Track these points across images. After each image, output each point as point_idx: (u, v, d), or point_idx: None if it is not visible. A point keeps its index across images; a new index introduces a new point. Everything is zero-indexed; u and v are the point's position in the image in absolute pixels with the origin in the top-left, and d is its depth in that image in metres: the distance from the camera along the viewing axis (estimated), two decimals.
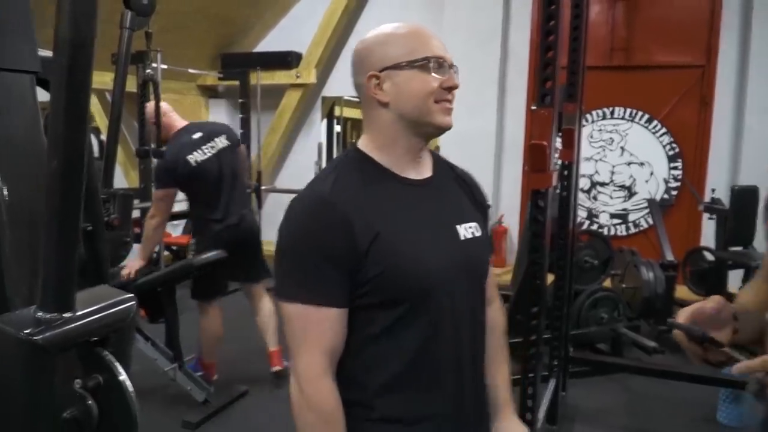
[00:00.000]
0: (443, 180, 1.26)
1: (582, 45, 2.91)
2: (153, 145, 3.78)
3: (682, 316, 1.10)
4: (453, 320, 1.16)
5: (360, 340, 1.12)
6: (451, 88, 1.14)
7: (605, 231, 5.84)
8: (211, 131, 3.49)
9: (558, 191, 2.93)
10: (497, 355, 1.34)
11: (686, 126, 5.57)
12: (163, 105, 3.52)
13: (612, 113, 5.85)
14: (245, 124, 6.59)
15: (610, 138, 5.88)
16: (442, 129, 1.16)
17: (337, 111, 8.24)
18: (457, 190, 1.28)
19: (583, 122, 5.79)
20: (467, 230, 1.21)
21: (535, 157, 1.97)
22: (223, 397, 3.44)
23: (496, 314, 1.36)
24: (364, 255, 1.07)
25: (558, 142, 2.36)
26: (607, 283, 4.76)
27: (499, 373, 1.34)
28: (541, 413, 2.69)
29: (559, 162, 2.82)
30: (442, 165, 1.28)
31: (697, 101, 5.54)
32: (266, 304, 3.63)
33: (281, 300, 1.11)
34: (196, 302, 3.52)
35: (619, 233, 5.89)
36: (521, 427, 1.35)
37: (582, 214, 5.96)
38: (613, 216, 5.94)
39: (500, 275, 5.19)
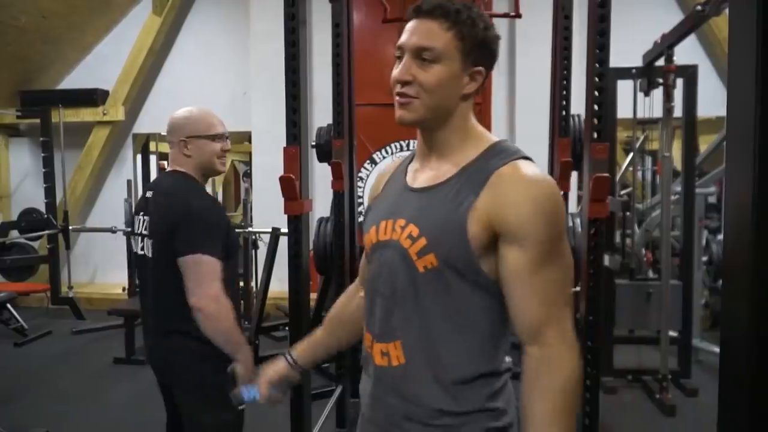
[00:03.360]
0: None
1: (346, 86, 3.32)
2: None
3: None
4: None
5: None
6: (226, 151, 1.93)
7: None
8: None
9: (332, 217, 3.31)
10: None
11: None
12: None
13: (408, 146, 6.42)
14: (48, 162, 6.36)
15: None
16: (218, 173, 1.99)
17: (152, 146, 8.19)
18: None
19: (383, 154, 6.40)
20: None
21: (285, 188, 2.30)
22: None
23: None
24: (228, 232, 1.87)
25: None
26: None
27: None
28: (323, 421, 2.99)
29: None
30: None
31: None
32: None
33: (197, 252, 1.74)
34: None
35: None
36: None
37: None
38: None
39: None
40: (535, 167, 1.10)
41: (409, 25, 1.13)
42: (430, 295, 1.10)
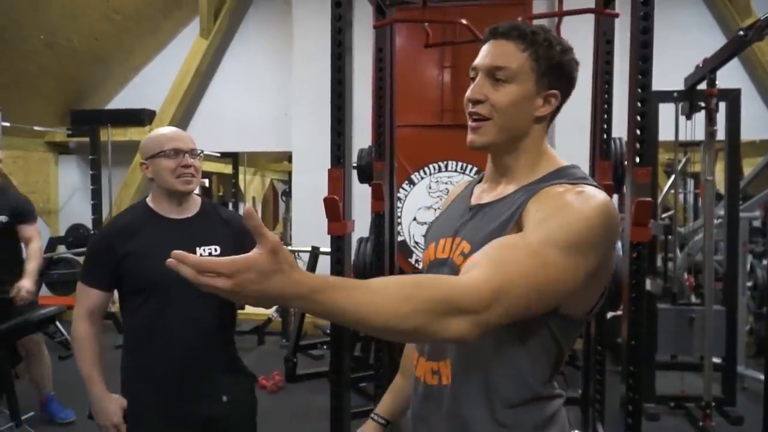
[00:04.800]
0: (203, 217, 1.91)
1: (388, 109, 3.38)
2: None
3: None
4: (180, 308, 1.78)
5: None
6: (186, 167, 1.82)
7: None
8: None
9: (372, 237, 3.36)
10: None
11: None
12: None
13: (446, 167, 6.48)
14: (96, 180, 6.59)
15: (446, 189, 6.50)
16: (183, 193, 1.86)
17: None
18: (213, 224, 1.91)
19: (422, 175, 6.45)
20: (205, 250, 1.83)
21: (329, 209, 2.36)
22: None
23: None
24: (118, 262, 1.80)
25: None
26: None
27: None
28: None
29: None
30: (210, 207, 1.97)
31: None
32: None
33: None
34: None
35: None
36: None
37: None
38: None
39: None
40: (594, 191, 1.03)
41: (485, 47, 1.13)
42: None
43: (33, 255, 3.52)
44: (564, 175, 1.10)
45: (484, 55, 1.12)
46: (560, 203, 1.01)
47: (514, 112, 1.10)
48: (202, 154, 1.91)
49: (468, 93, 1.12)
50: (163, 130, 1.88)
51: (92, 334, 1.83)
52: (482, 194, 1.19)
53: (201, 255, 1.68)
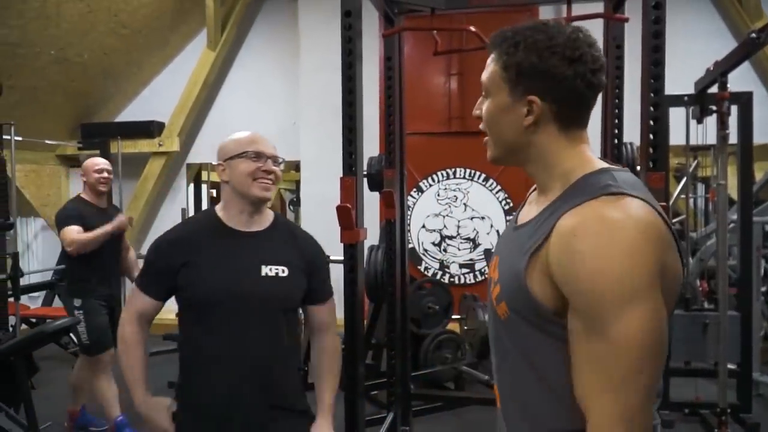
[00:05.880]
0: (273, 233, 1.76)
1: (397, 118, 3.39)
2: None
3: None
4: (238, 328, 1.66)
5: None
6: (267, 172, 1.69)
7: (455, 280, 6.39)
8: None
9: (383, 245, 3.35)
10: (325, 370, 1.82)
11: (517, 183, 6.27)
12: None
13: (454, 174, 6.49)
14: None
15: (455, 196, 6.51)
16: (259, 199, 1.70)
17: (204, 176, 8.43)
18: (283, 242, 1.77)
19: (430, 183, 6.45)
20: (271, 270, 1.69)
21: (342, 217, 2.36)
22: None
23: (327, 341, 1.84)
24: (176, 272, 1.68)
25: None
26: (456, 326, 5.24)
27: (324, 387, 1.81)
28: None
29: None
30: (281, 224, 1.82)
31: None
32: None
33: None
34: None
35: (468, 281, 6.45)
36: (326, 427, 1.76)
37: (435, 265, 6.49)
38: (461, 266, 6.51)
39: None
40: (612, 208, 0.92)
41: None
42: (512, 343, 1.04)
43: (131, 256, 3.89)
44: (583, 188, 0.99)
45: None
46: (570, 255, 0.92)
47: (494, 125, 1.07)
48: (283, 163, 1.78)
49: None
50: (246, 133, 1.76)
51: (140, 338, 1.77)
52: (529, 207, 1.14)
53: (266, 275, 1.67)
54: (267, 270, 1.69)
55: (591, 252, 0.89)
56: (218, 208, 1.77)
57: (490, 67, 1.07)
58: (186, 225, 1.83)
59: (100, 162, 3.72)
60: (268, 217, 1.79)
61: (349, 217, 2.35)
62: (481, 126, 1.11)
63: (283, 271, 1.70)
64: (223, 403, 1.65)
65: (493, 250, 1.24)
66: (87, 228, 3.47)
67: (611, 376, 0.89)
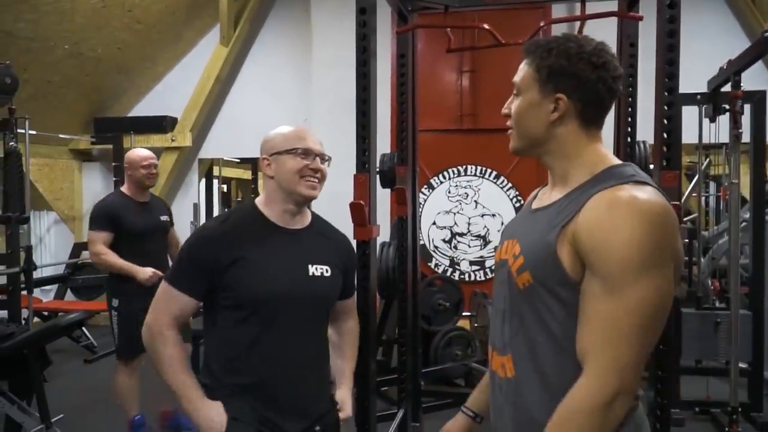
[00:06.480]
0: (312, 232, 1.75)
1: (410, 115, 3.40)
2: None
3: None
4: (288, 326, 1.64)
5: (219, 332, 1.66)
6: (315, 170, 1.65)
7: (466, 277, 6.40)
8: None
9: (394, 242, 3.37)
10: (347, 347, 1.90)
11: (528, 180, 6.28)
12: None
13: (465, 171, 6.49)
14: (119, 186, 6.65)
15: (465, 193, 6.51)
16: (305, 197, 1.67)
17: (216, 171, 8.47)
18: (323, 241, 1.77)
19: (441, 179, 6.45)
20: (317, 269, 1.70)
21: (355, 214, 2.38)
22: None
23: (350, 324, 1.93)
24: (224, 270, 1.59)
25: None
26: (467, 323, 5.25)
27: (347, 360, 1.88)
28: None
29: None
30: (318, 222, 1.80)
31: (533, 159, 6.27)
32: None
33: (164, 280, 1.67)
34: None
35: (478, 278, 6.45)
36: (348, 395, 1.83)
37: (445, 262, 6.50)
38: (472, 263, 6.51)
39: None
40: (641, 191, 1.07)
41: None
42: (531, 312, 1.15)
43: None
44: (611, 175, 1.14)
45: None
46: (601, 222, 1.06)
47: (523, 120, 1.22)
48: (329, 161, 1.73)
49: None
50: (293, 128, 1.71)
51: (180, 341, 1.64)
52: (543, 197, 1.29)
53: (313, 274, 1.68)
54: (314, 270, 1.68)
55: (623, 224, 1.03)
56: (260, 203, 1.71)
57: (524, 70, 1.23)
58: (229, 219, 1.70)
59: (147, 155, 3.50)
60: (308, 215, 1.77)
61: (362, 214, 2.37)
62: (508, 122, 1.25)
63: (327, 271, 1.71)
64: (286, 402, 1.64)
65: (503, 235, 1.35)
66: (122, 228, 3.33)
67: (617, 331, 1.03)
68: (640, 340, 1.04)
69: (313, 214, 1.81)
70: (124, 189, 3.54)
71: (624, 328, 1.03)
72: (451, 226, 6.54)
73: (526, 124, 1.21)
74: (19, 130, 4.57)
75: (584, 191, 1.13)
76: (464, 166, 6.49)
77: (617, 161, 1.19)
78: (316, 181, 1.67)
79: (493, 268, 6.39)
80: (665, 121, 2.26)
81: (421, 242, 6.41)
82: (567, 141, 1.20)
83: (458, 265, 6.53)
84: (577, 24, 2.97)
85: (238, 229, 1.65)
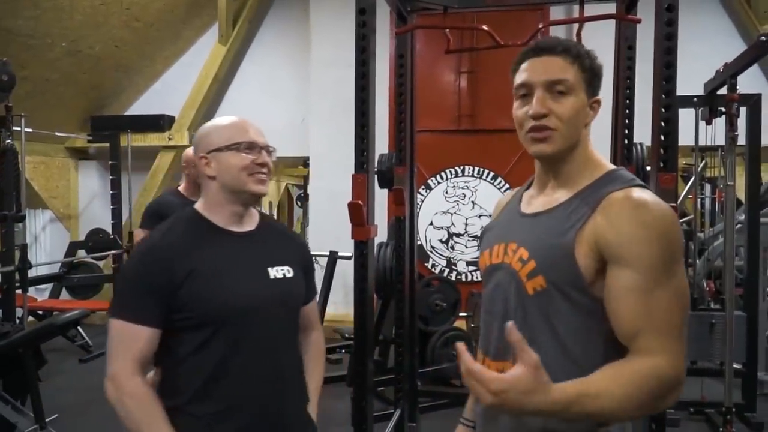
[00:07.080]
0: (265, 232, 1.58)
1: (408, 116, 3.41)
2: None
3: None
4: (257, 339, 1.47)
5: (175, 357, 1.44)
6: (262, 165, 1.48)
7: (463, 278, 6.41)
8: None
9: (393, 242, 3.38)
10: (312, 365, 1.68)
11: (524, 181, 6.30)
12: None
13: (463, 171, 6.51)
14: (115, 185, 6.67)
15: (463, 193, 6.52)
16: (255, 195, 1.50)
17: None
18: (279, 240, 1.61)
19: (438, 180, 6.47)
20: (278, 271, 1.53)
21: (354, 214, 2.39)
22: None
23: (314, 336, 1.72)
24: (178, 286, 1.39)
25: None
26: (464, 323, 5.27)
27: (312, 377, 1.66)
28: None
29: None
30: (268, 221, 1.64)
31: (531, 160, 6.29)
32: None
33: (110, 317, 1.42)
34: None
35: (475, 279, 6.46)
36: (313, 415, 1.65)
37: (442, 262, 6.52)
38: (468, 263, 6.53)
39: None
40: (649, 194, 1.12)
41: (530, 64, 1.19)
42: (539, 317, 1.14)
43: None
44: (615, 178, 1.17)
45: (538, 72, 1.18)
46: (630, 223, 1.08)
47: (575, 121, 1.18)
48: (274, 152, 1.57)
49: (533, 108, 1.16)
50: (232, 119, 1.54)
51: (150, 391, 1.41)
52: (532, 200, 1.26)
53: (275, 277, 1.51)
54: (275, 272, 1.53)
55: (654, 222, 1.08)
56: (201, 208, 1.53)
57: (570, 69, 1.17)
58: (172, 230, 1.50)
59: None
60: (255, 215, 1.60)
61: (360, 214, 2.38)
62: (543, 122, 1.16)
63: (289, 272, 1.56)
64: (265, 419, 1.49)
65: (487, 240, 1.32)
66: None
67: (676, 320, 1.07)
68: (685, 325, 1.09)
69: (260, 213, 1.64)
70: (181, 188, 3.35)
71: (679, 315, 1.08)
72: (448, 227, 6.55)
73: (575, 125, 1.17)
74: (15, 128, 4.57)
75: (593, 192, 1.15)
76: (462, 167, 6.50)
77: (611, 165, 1.23)
78: (264, 176, 1.50)
79: None
80: (662, 124, 2.28)
81: (418, 242, 6.42)
82: (585, 144, 1.22)
83: (455, 265, 6.54)
84: (576, 26, 2.99)
85: (185, 240, 1.46)
